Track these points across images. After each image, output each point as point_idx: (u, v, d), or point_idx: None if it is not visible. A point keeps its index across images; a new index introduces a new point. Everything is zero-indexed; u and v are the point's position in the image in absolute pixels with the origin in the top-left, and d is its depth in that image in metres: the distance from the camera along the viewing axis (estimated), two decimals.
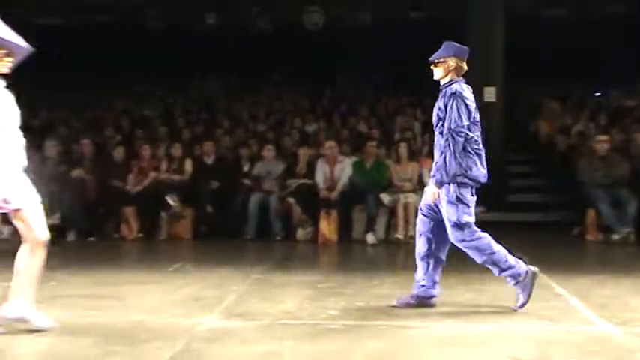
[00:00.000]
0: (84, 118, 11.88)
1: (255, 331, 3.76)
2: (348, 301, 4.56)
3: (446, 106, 4.09)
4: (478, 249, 4.10)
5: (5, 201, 3.56)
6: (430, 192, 4.14)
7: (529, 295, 4.12)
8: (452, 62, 4.18)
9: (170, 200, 8.11)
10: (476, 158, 4.10)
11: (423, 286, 4.28)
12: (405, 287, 4.59)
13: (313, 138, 10.18)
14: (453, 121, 4.02)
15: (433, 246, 4.25)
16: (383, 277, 5.57)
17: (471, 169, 4.07)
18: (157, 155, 8.95)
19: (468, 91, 4.14)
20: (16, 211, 3.61)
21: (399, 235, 7.90)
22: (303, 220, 8.12)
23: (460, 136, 4.01)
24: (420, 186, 8.30)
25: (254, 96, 13.12)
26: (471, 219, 4.09)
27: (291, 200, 8.23)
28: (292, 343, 3.51)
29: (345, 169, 8.26)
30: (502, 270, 4.13)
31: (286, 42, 13.54)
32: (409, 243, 7.81)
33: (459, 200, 4.06)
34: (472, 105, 4.10)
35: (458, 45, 4.24)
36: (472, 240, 4.08)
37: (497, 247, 4.12)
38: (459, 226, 4.06)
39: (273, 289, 5.03)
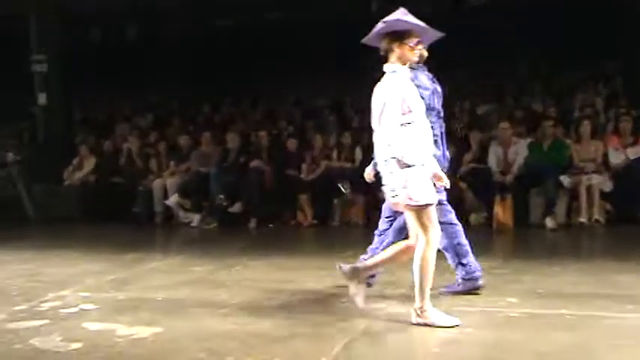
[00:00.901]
0: (260, 111, 12.50)
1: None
2: (527, 289, 4.36)
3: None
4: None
5: (410, 197, 3.42)
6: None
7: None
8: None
9: (342, 187, 8.28)
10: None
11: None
12: (590, 275, 4.28)
13: (485, 120, 9.82)
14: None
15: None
16: (565, 264, 5.24)
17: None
18: (328, 144, 9.17)
19: (423, 77, 4.06)
20: (421, 207, 3.45)
21: (582, 219, 7.40)
22: (476, 205, 7.89)
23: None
24: (605, 166, 7.70)
25: None
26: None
27: (462, 185, 8.03)
28: (472, 330, 3.43)
29: (519, 151, 7.90)
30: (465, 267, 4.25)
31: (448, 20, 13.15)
32: (594, 227, 7.32)
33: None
34: (426, 92, 4.00)
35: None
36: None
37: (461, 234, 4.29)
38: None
39: (447, 274, 4.94)
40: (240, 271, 5.36)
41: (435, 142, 3.99)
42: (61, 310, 4.06)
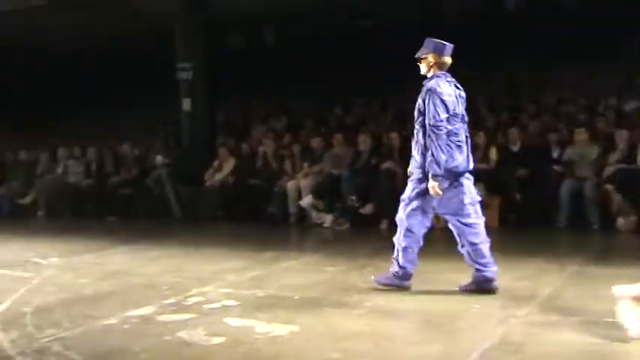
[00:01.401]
0: (391, 112, 12.49)
1: (576, 328, 3.53)
2: None
3: (424, 102, 4.28)
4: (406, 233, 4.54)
5: None
6: (431, 187, 4.24)
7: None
8: (431, 58, 4.35)
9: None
10: (454, 149, 4.25)
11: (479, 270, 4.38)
12: None
13: (634, 117, 9.15)
14: (431, 116, 4.20)
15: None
16: None
17: (447, 161, 4.23)
18: None
19: (445, 86, 4.28)
20: None
21: None
22: (624, 209, 7.37)
23: (440, 130, 4.19)
24: None
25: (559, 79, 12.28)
26: (428, 203, 4.40)
27: (609, 187, 7.53)
28: (619, 344, 3.21)
29: None
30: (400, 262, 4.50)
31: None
32: None
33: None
34: (449, 99, 4.24)
35: (437, 41, 4.36)
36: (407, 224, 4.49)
37: (417, 243, 4.54)
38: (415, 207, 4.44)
39: (593, 283, 4.66)
40: (372, 272, 5.37)
41: (460, 147, 4.29)
42: (205, 306, 4.29)
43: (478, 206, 4.44)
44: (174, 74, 11.27)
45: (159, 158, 10.54)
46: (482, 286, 4.34)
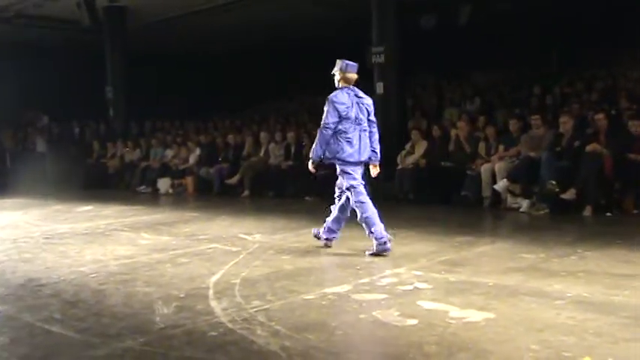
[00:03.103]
0: (596, 90, 11.58)
1: None
2: None
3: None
4: (361, 209, 5.52)
5: None
6: (309, 166, 5.72)
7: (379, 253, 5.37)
8: (339, 75, 5.60)
9: None
10: (344, 144, 5.49)
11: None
12: None
13: None
14: (323, 119, 5.47)
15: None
16: None
17: (338, 152, 5.50)
18: None
19: (342, 97, 5.50)
20: None
21: None
22: None
23: (325, 130, 5.47)
24: None
25: None
26: (355, 182, 5.57)
27: None
28: None
29: None
30: (370, 232, 5.48)
31: None
32: None
33: (343, 172, 5.61)
34: (341, 107, 5.45)
35: (344, 61, 5.58)
36: (357, 201, 5.54)
37: (372, 213, 5.48)
38: (349, 189, 5.58)
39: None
40: (575, 261, 5.05)
41: (350, 142, 5.51)
42: (398, 287, 4.35)
43: (362, 187, 5.60)
44: (365, 59, 11.47)
45: None
46: (380, 251, 5.41)
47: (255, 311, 3.82)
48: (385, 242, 5.41)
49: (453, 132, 10.01)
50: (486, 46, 14.39)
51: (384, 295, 4.12)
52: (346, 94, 5.54)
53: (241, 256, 5.62)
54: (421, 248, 5.80)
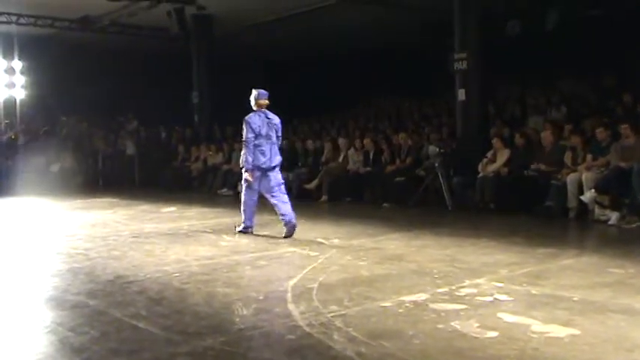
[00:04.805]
0: None
1: None
2: None
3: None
4: (245, 199, 7.42)
5: None
6: (245, 175, 7.31)
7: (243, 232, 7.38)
8: (253, 101, 7.27)
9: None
10: (258, 154, 7.14)
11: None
12: None
13: None
14: (244, 135, 7.17)
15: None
16: None
17: (253, 160, 7.16)
18: None
19: (255, 118, 7.17)
20: None
21: None
22: None
23: (247, 143, 7.15)
24: None
25: None
26: (252, 185, 7.28)
27: None
28: None
29: None
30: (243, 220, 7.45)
31: None
32: None
33: (250, 172, 7.29)
34: (255, 126, 7.12)
35: (258, 90, 7.31)
36: (245, 194, 7.41)
37: (251, 207, 7.39)
38: (244, 183, 7.42)
39: None
40: None
41: (263, 152, 7.12)
42: (477, 298, 4.26)
43: (283, 186, 7.26)
44: (447, 66, 11.32)
45: (432, 148, 10.70)
46: (243, 230, 7.38)
47: (332, 316, 3.84)
48: (247, 228, 7.35)
49: (537, 140, 9.72)
50: (573, 52, 13.89)
51: (463, 306, 4.05)
52: (258, 116, 7.18)
53: (319, 261, 5.66)
54: (502, 259, 5.66)
